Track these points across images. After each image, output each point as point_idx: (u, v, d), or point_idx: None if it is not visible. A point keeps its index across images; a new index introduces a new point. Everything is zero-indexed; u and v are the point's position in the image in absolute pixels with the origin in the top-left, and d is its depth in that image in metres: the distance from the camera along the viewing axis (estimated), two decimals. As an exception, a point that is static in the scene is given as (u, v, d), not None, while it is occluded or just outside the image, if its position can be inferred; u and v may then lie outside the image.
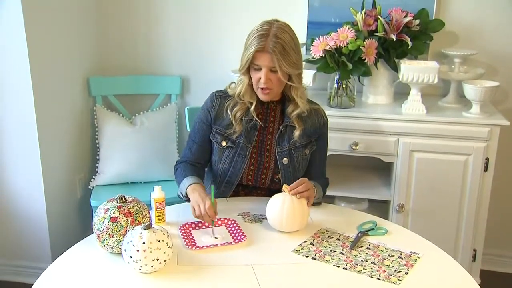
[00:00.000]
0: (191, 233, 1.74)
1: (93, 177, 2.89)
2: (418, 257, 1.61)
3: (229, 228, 1.77)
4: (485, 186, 2.48)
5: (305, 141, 1.95)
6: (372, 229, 1.77)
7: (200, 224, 1.78)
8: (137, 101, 3.09)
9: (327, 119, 2.02)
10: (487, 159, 2.44)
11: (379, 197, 2.61)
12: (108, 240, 1.57)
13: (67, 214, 2.89)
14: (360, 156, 2.55)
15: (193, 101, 3.07)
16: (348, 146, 2.51)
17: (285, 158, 1.94)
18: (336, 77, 2.54)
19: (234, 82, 1.97)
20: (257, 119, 1.92)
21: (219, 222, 1.80)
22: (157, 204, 1.77)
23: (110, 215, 1.57)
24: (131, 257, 1.47)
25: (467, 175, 2.46)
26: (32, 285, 1.48)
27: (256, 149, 1.96)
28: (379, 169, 2.80)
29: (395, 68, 2.56)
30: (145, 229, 1.49)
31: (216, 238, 1.69)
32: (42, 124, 2.59)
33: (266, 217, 1.80)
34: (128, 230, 1.55)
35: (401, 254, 1.62)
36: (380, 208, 2.73)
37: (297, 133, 1.91)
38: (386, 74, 2.63)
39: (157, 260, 1.48)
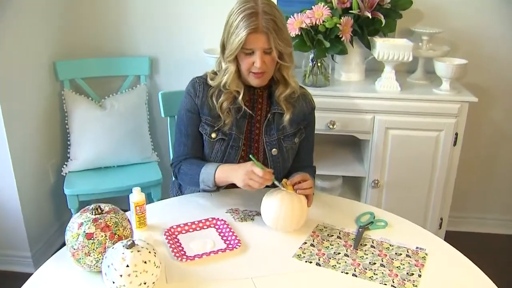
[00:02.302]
0: (178, 239, 1.33)
1: (65, 163, 2.40)
2: (426, 254, 1.27)
3: (220, 231, 1.37)
4: (453, 159, 2.18)
5: (294, 129, 1.55)
6: (372, 222, 1.41)
7: (186, 228, 1.37)
8: (105, 83, 2.57)
9: (315, 105, 1.62)
10: (456, 134, 2.13)
11: (354, 174, 2.26)
12: (85, 259, 1.14)
13: (41, 201, 2.39)
14: (332, 134, 2.19)
15: (163, 83, 2.59)
16: (325, 125, 2.13)
17: (274, 149, 1.54)
18: (311, 56, 2.14)
19: (215, 71, 1.53)
20: (246, 108, 1.50)
21: (207, 223, 1.40)
22: (137, 208, 1.35)
23: (85, 231, 1.13)
24: (113, 282, 1.06)
25: (438, 150, 2.14)
26: (12, 272, 1.04)
27: (246, 140, 1.54)
28: (350, 145, 2.45)
29: (369, 46, 2.18)
30: (127, 248, 1.07)
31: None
32: (8, 110, 2.07)
33: (257, 213, 1.42)
34: (107, 247, 1.13)
35: (408, 252, 1.28)
36: (354, 184, 2.39)
37: (286, 117, 1.51)
38: (359, 52, 2.24)
39: (145, 283, 1.07)
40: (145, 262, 1.07)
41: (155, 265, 1.09)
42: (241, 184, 1.35)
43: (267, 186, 1.36)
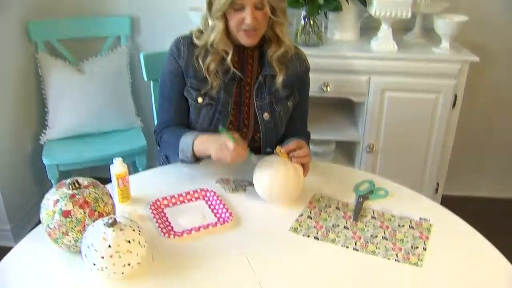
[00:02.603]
0: (165, 213, 1.24)
1: (43, 131, 2.26)
2: (430, 225, 1.20)
3: (210, 203, 1.27)
4: (451, 122, 2.10)
5: (287, 92, 1.44)
6: (371, 191, 1.33)
7: (173, 200, 1.27)
8: (83, 45, 2.39)
9: (309, 65, 1.50)
10: (455, 96, 2.03)
11: (348, 139, 2.17)
12: (62, 239, 1.04)
13: (19, 171, 2.26)
14: (325, 97, 2.08)
15: (146, 44, 2.43)
16: (319, 87, 2.01)
17: (266, 113, 1.43)
18: (303, 13, 2.00)
19: (201, 30, 1.39)
20: (235, 69, 1.37)
21: (196, 195, 1.30)
22: (119, 180, 1.24)
23: (61, 209, 1.03)
24: (94, 264, 0.97)
25: (436, 113, 2.05)
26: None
27: (235, 104, 1.43)
28: (344, 108, 2.35)
29: (364, 2, 2.04)
30: (109, 227, 0.97)
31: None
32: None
33: (249, 184, 1.33)
34: (87, 225, 1.03)
35: (411, 223, 1.21)
36: (347, 149, 2.31)
37: (279, 79, 1.39)
38: (354, 9, 2.10)
39: (129, 265, 0.98)
40: (129, 242, 0.97)
41: (139, 244, 0.99)
42: (214, 157, 1.25)
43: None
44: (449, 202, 1.66)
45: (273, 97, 1.42)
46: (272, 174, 1.22)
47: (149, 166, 2.10)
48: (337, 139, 2.20)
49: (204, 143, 1.29)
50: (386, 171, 2.15)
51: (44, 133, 2.24)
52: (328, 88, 2.01)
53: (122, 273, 0.98)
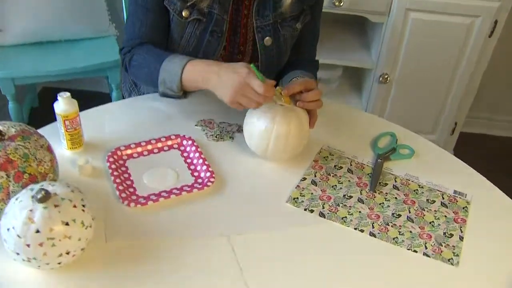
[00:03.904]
0: (127, 167, 0.95)
1: (-5, 34, 1.89)
2: (467, 203, 0.94)
3: (187, 155, 0.99)
4: (485, 53, 1.78)
5: (296, 11, 1.09)
6: (393, 148, 1.05)
7: (139, 149, 0.98)
8: None
9: (327, -25, 1.14)
10: (496, 22, 1.69)
11: (358, 65, 1.85)
12: (-23, 210, 0.77)
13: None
14: (336, 13, 1.72)
15: None
16: (329, 1, 1.65)
17: (267, 38, 1.09)
18: None
19: None
20: None
21: (168, 143, 1.01)
22: (67, 122, 0.94)
23: (-28, 170, 0.74)
24: (17, 253, 0.70)
25: (468, 41, 1.73)
26: None
27: (230, 24, 1.09)
28: (357, 28, 1.99)
29: None
30: (39, 202, 0.69)
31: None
32: None
33: (239, 129, 1.04)
34: (12, 193, 0.75)
35: (443, 197, 0.94)
36: (356, 77, 1.99)
37: (288, 0, 1.04)
38: None
39: (67, 253, 0.72)
40: (67, 224, 0.70)
41: (83, 225, 0.72)
42: (227, 99, 0.92)
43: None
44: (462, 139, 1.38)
45: (278, 16, 1.08)
46: (268, 124, 0.92)
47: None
48: (345, 64, 1.87)
49: (202, 72, 0.95)
50: (397, 105, 1.87)
51: (-4, 37, 1.87)
52: (342, 2, 1.65)
53: (59, 263, 0.72)
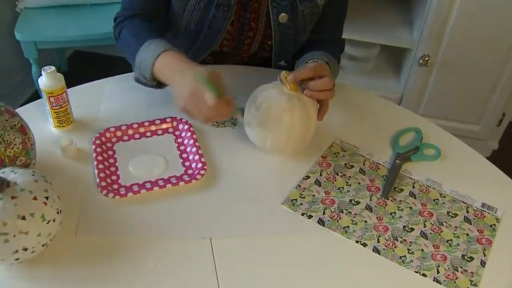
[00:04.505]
0: (114, 151, 0.87)
1: (20, -5, 1.85)
2: (497, 220, 0.80)
3: (181, 141, 0.90)
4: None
5: (318, -18, 0.96)
6: (417, 147, 0.91)
7: (130, 132, 0.90)
8: None
9: None
10: (562, 0, 1.47)
11: (397, 44, 1.67)
12: None
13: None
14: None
15: None
16: (368, -27, 1.48)
17: (283, 14, 0.96)
18: None
19: None
20: None
21: (163, 126, 0.92)
22: (52, 99, 0.86)
23: None
24: (-30, 245, 0.64)
25: (526, 22, 1.51)
26: None
27: None
28: (398, 3, 1.80)
29: None
30: (-6, 192, 0.63)
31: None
32: None
33: (243, 115, 0.93)
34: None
35: (467, 210, 0.81)
36: (394, 57, 1.82)
37: None
38: None
39: (25, 250, 0.65)
40: (23, 218, 0.63)
41: (43, 219, 0.65)
42: (178, 105, 0.81)
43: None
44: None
45: (296, -12, 0.94)
46: (269, 114, 0.81)
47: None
48: (383, 43, 1.70)
49: (171, 68, 0.84)
50: (438, 92, 1.69)
51: (21, -1, 1.83)
52: (383, -27, 1.47)
53: (17, 259, 0.66)
